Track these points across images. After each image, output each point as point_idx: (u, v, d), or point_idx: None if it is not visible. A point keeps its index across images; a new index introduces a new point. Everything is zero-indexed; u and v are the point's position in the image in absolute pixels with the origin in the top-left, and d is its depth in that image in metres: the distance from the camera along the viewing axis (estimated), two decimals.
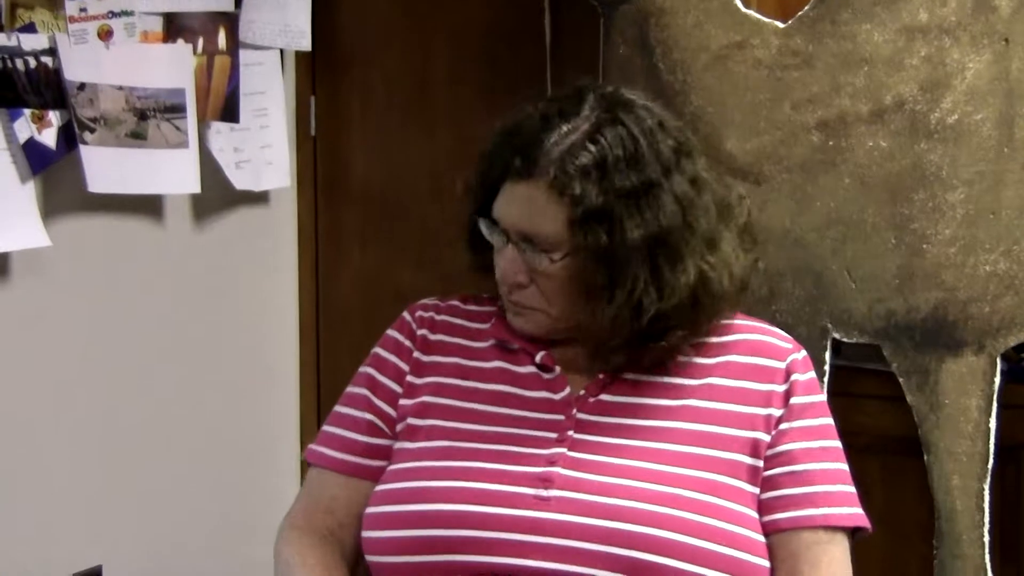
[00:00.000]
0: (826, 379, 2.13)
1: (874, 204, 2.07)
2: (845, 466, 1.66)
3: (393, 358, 1.74)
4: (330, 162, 2.95)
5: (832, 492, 1.63)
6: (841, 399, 2.07)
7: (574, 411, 1.63)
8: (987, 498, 2.05)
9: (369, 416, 1.71)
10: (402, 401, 1.71)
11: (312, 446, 1.75)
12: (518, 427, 1.63)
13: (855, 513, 1.64)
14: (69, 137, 2.40)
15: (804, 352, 1.69)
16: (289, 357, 2.97)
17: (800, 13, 2.13)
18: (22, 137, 2.34)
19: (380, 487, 1.65)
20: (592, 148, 1.56)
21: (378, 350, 1.76)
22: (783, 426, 1.63)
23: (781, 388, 1.64)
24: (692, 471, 1.58)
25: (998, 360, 2.05)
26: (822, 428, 1.66)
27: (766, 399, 1.64)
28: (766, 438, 1.62)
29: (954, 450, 2.06)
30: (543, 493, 1.56)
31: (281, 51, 2.77)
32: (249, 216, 2.83)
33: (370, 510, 1.64)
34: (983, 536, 2.05)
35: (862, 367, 2.24)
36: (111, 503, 2.60)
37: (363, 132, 2.92)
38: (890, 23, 2.06)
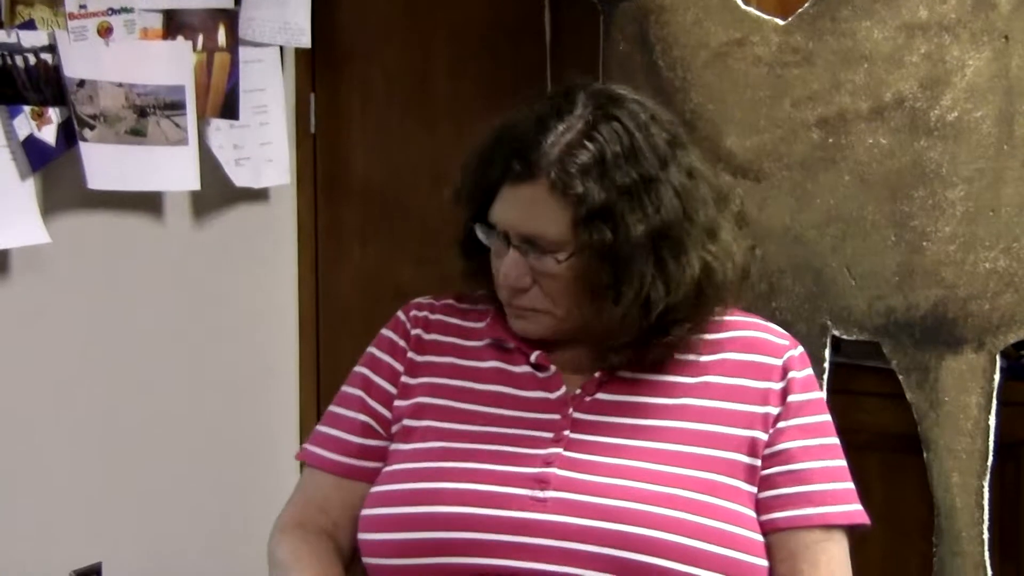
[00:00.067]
0: (826, 376, 2.13)
1: (874, 201, 2.07)
2: (843, 462, 1.65)
3: (387, 358, 1.73)
4: (330, 159, 2.95)
5: (830, 490, 1.62)
6: (841, 396, 2.07)
7: (570, 410, 1.63)
8: (987, 495, 2.05)
9: (363, 417, 1.71)
10: (397, 402, 1.70)
11: (306, 446, 1.74)
12: (514, 427, 1.62)
13: (853, 510, 1.63)
14: (69, 134, 2.40)
15: (801, 348, 1.69)
16: (289, 354, 2.97)
17: (800, 10, 2.13)
18: (22, 134, 2.34)
19: (376, 488, 1.64)
20: (590, 146, 1.55)
21: (373, 350, 1.75)
22: (780, 424, 1.62)
23: (778, 386, 1.64)
24: (689, 471, 1.58)
25: (998, 357, 2.05)
26: (820, 425, 1.65)
27: (763, 397, 1.63)
28: (763, 437, 1.61)
29: (954, 447, 2.06)
30: (539, 494, 1.56)
31: (281, 48, 2.78)
32: (249, 213, 2.83)
33: (366, 512, 1.63)
34: (983, 533, 2.05)
35: (862, 364, 2.24)
36: (110, 500, 2.60)
37: (363, 129, 2.92)
38: (890, 20, 2.05)
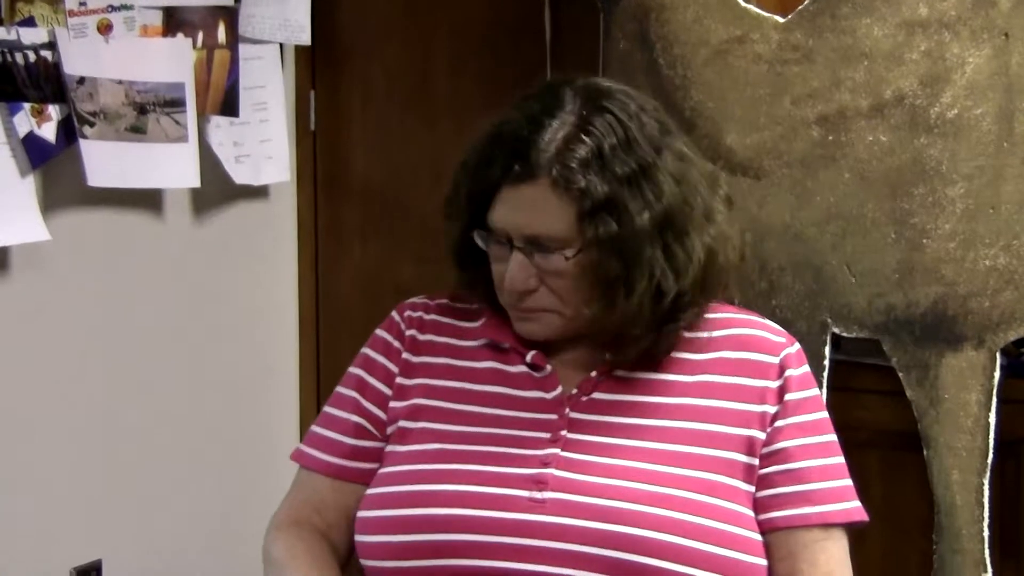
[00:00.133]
0: (826, 374, 2.13)
1: (874, 199, 2.07)
2: (841, 460, 1.65)
3: (382, 359, 1.72)
4: (330, 157, 2.95)
5: (828, 489, 1.61)
6: (841, 394, 2.07)
7: (567, 410, 1.62)
8: (987, 493, 2.05)
9: (357, 418, 1.70)
10: (392, 403, 1.69)
11: (300, 446, 1.73)
12: (511, 428, 1.62)
13: (852, 508, 1.63)
14: (69, 131, 2.40)
15: (797, 345, 1.68)
16: (289, 352, 2.97)
17: (800, 8, 2.13)
18: (22, 131, 2.35)
19: (373, 490, 1.64)
20: (587, 140, 1.55)
21: (367, 351, 1.74)
22: (778, 423, 1.62)
23: (775, 384, 1.63)
24: (687, 470, 1.57)
25: (998, 355, 2.05)
26: (817, 423, 1.65)
27: (760, 395, 1.62)
28: (761, 436, 1.61)
29: (954, 445, 2.06)
30: (537, 495, 1.55)
31: (281, 45, 2.78)
32: (249, 211, 2.83)
33: (363, 514, 1.63)
34: (983, 531, 2.05)
35: (862, 362, 2.24)
36: (110, 497, 2.60)
37: (363, 127, 2.92)
38: (890, 17, 2.05)
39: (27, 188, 2.36)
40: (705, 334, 1.66)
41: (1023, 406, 2.15)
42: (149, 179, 2.54)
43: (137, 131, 2.48)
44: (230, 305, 2.81)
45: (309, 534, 1.68)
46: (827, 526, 1.61)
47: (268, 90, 2.75)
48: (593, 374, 1.63)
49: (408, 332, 1.72)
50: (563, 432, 1.60)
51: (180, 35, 2.55)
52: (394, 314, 1.75)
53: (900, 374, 2.09)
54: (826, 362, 2.13)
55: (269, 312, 2.92)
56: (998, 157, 2.00)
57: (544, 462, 1.58)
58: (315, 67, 2.93)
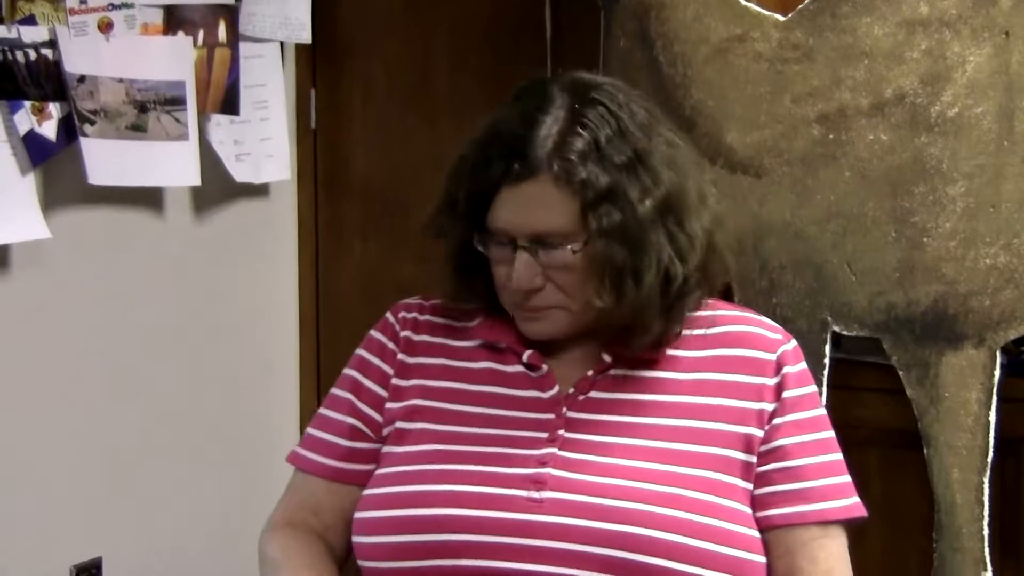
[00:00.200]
0: (826, 372, 2.13)
1: (874, 197, 2.07)
2: (839, 456, 1.64)
3: (377, 361, 1.72)
4: (330, 155, 2.95)
5: (826, 486, 1.61)
6: (841, 392, 2.07)
7: (564, 409, 1.61)
8: (987, 491, 2.05)
9: (352, 420, 1.70)
10: (388, 405, 1.69)
11: (296, 449, 1.73)
12: (508, 428, 1.61)
13: (850, 504, 1.62)
14: (69, 129, 2.40)
15: (794, 342, 1.68)
16: (289, 351, 2.97)
17: (800, 6, 2.12)
18: (22, 129, 2.35)
19: (370, 491, 1.63)
20: (583, 132, 1.55)
21: (362, 352, 1.73)
22: (776, 421, 1.62)
23: (772, 381, 1.63)
24: (685, 468, 1.57)
25: (998, 353, 2.05)
26: (815, 420, 1.64)
27: (757, 393, 1.62)
28: (759, 433, 1.61)
29: (954, 443, 2.06)
30: (535, 495, 1.55)
31: (281, 43, 2.78)
32: (249, 209, 2.83)
33: (361, 515, 1.62)
34: (983, 529, 2.05)
35: (862, 360, 2.24)
36: (110, 495, 2.60)
37: (364, 125, 2.92)
38: (890, 16, 2.05)
39: (27, 186, 2.37)
40: (701, 331, 1.66)
41: (1023, 405, 2.15)
42: (149, 177, 2.54)
43: (137, 129, 2.48)
44: (230, 304, 2.81)
45: (304, 534, 1.68)
46: (825, 523, 1.61)
47: (268, 88, 2.75)
48: (590, 373, 1.63)
49: (403, 333, 1.72)
50: (560, 431, 1.60)
51: (181, 33, 2.55)
52: (388, 315, 1.75)
53: (900, 372, 2.09)
54: (826, 360, 2.13)
55: (269, 311, 2.92)
56: (998, 156, 2.00)
57: (542, 462, 1.57)
58: (316, 65, 2.93)
